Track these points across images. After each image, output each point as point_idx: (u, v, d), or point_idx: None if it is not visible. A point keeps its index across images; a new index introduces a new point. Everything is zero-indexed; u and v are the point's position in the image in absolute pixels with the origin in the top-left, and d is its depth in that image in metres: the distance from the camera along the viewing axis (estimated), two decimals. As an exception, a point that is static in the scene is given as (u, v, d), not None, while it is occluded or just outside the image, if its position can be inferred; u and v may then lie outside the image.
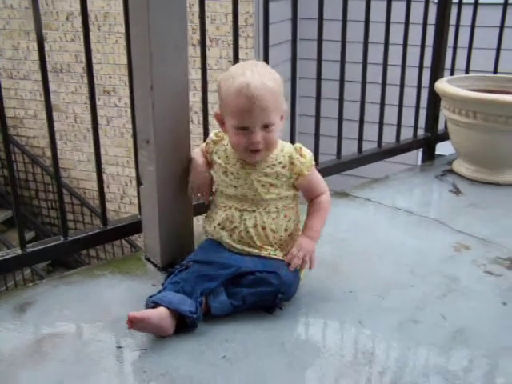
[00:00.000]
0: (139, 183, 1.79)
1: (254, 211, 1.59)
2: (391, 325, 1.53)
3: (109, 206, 5.87)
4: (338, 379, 1.32)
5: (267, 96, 1.48)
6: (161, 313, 1.42)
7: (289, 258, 1.57)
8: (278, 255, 1.59)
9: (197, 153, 1.72)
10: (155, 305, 1.45)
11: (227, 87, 1.51)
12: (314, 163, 1.63)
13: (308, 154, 1.61)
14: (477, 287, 1.73)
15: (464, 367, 1.37)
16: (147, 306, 1.47)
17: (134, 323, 1.39)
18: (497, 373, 1.36)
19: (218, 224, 1.62)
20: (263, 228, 1.58)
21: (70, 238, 1.81)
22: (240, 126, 1.51)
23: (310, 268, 1.61)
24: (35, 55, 1.69)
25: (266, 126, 1.51)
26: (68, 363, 1.37)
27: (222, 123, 1.60)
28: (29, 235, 6.10)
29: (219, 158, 1.64)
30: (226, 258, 1.58)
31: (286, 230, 1.61)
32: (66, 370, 1.35)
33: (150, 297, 1.48)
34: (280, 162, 1.59)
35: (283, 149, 1.61)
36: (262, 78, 1.50)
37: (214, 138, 1.67)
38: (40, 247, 1.77)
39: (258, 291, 1.51)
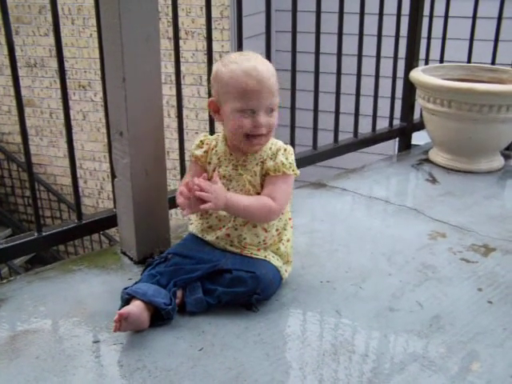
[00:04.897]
0: (113, 176, 1.77)
1: None
2: (369, 313, 1.54)
3: (87, 201, 5.82)
4: (317, 369, 1.32)
5: (272, 81, 1.51)
6: (137, 306, 1.41)
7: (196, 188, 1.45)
8: (261, 255, 1.56)
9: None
10: (130, 297, 1.44)
11: (231, 71, 1.49)
12: (291, 173, 1.56)
13: (291, 159, 1.57)
14: (453, 274, 1.74)
15: (441, 353, 1.38)
16: (122, 298, 1.46)
17: (121, 323, 1.37)
18: (473, 358, 1.37)
19: (207, 222, 1.60)
20: (254, 226, 1.56)
21: (44, 233, 1.78)
22: (246, 109, 1.49)
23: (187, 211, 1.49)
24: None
25: (270, 110, 1.52)
26: (44, 359, 1.36)
27: (216, 111, 1.58)
28: (5, 232, 6.03)
29: (210, 164, 1.62)
30: (206, 253, 1.57)
31: (276, 229, 1.59)
32: (42, 366, 1.33)
33: (125, 289, 1.47)
34: (266, 159, 1.56)
35: (272, 146, 1.58)
36: (265, 64, 1.54)
37: (204, 148, 1.63)
38: (13, 243, 1.74)
39: (233, 291, 1.50)
